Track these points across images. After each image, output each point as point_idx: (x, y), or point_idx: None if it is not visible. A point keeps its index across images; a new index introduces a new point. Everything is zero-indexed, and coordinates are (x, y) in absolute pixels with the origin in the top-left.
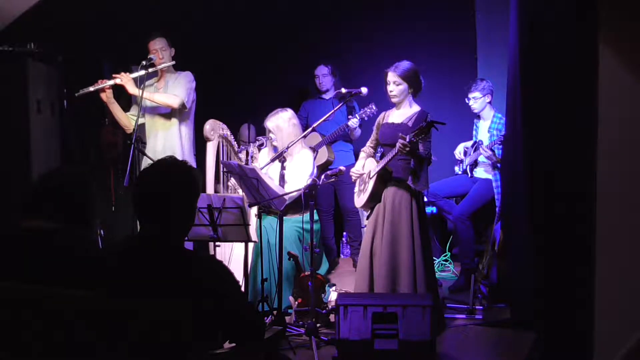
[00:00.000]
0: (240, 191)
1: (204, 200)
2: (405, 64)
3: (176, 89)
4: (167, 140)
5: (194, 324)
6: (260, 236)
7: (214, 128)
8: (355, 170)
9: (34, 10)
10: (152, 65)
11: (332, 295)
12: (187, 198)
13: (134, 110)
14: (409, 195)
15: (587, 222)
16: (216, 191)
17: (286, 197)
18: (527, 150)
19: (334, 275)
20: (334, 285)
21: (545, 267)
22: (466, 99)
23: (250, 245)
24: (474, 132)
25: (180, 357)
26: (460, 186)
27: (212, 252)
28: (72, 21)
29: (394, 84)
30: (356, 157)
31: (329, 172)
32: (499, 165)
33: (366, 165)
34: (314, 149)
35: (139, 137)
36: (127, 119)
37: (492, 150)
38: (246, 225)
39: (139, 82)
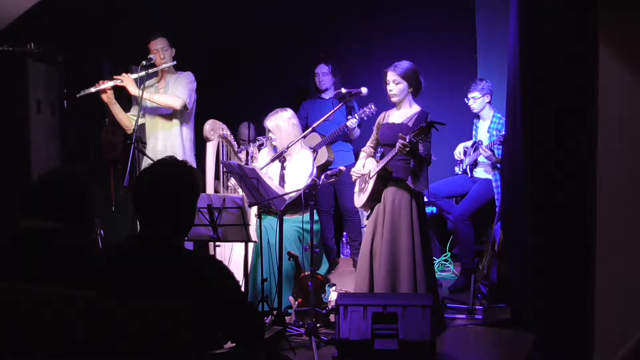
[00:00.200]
0: (240, 191)
1: (204, 200)
2: (404, 64)
3: (177, 90)
4: (168, 141)
5: (194, 324)
6: (260, 236)
7: (213, 128)
8: (356, 170)
9: (34, 10)
10: (152, 65)
11: (332, 295)
12: (187, 198)
13: (134, 110)
14: (409, 195)
15: (587, 222)
16: (216, 191)
17: (286, 197)
18: (527, 150)
19: (334, 275)
20: (334, 285)
21: (545, 267)
22: (465, 99)
23: (250, 245)
24: (473, 132)
25: (181, 357)
26: (460, 186)
27: (212, 252)
28: (72, 21)
29: (394, 83)
30: (356, 157)
31: (329, 172)
32: (498, 165)
33: (366, 165)
34: (314, 150)
35: (139, 137)
36: (128, 120)
37: (492, 151)
38: (246, 225)
39: (140, 83)
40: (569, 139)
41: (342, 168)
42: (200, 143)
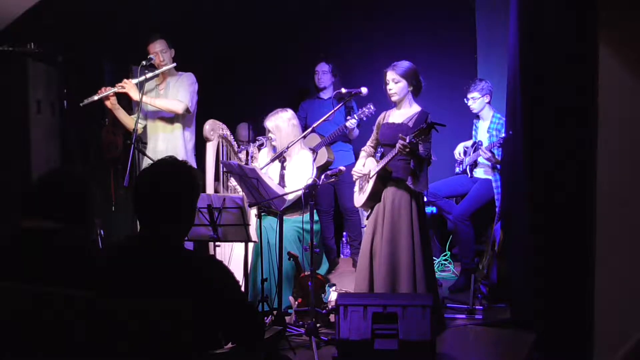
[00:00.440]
0: (240, 191)
1: (204, 200)
2: (403, 63)
3: (179, 93)
4: (169, 142)
5: (194, 324)
6: (260, 236)
7: (213, 128)
8: (357, 170)
9: (34, 10)
10: (152, 65)
11: (332, 295)
12: (187, 198)
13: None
14: (409, 195)
15: (587, 222)
16: (216, 191)
17: (286, 197)
18: (527, 150)
19: (334, 275)
20: (334, 285)
21: (545, 267)
22: (465, 99)
23: (250, 245)
24: (473, 133)
25: (181, 357)
26: (460, 186)
27: (212, 252)
28: (72, 21)
29: (393, 82)
30: (356, 157)
31: (329, 172)
32: (498, 166)
33: (366, 165)
34: (314, 150)
35: (139, 137)
36: (133, 123)
37: (492, 152)
38: (246, 225)
39: (141, 87)
40: (569, 139)
41: (342, 168)
42: (200, 143)
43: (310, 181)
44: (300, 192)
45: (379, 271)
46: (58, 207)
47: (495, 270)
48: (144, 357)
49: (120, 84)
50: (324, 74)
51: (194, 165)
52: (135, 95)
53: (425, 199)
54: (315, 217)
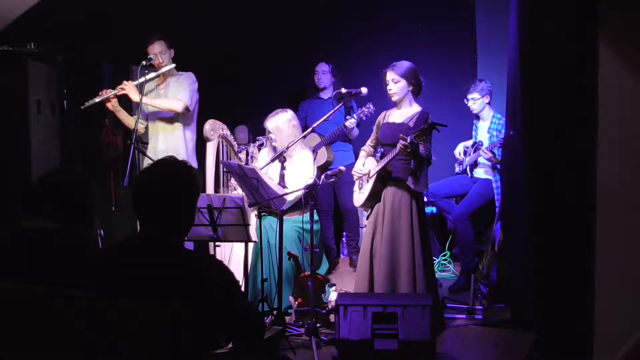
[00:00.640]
0: (240, 191)
1: (204, 200)
2: (403, 63)
3: (179, 92)
4: (170, 142)
5: (194, 324)
6: (260, 236)
7: (214, 128)
8: (357, 170)
9: (34, 10)
10: (152, 66)
11: (332, 295)
12: (187, 198)
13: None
14: (409, 195)
15: (587, 222)
16: (216, 191)
17: (286, 197)
18: (527, 150)
19: (334, 275)
20: (334, 285)
21: (545, 267)
22: (465, 100)
23: (250, 245)
24: (473, 133)
25: (181, 357)
26: (460, 186)
27: (212, 252)
28: (72, 21)
29: (393, 82)
30: (356, 157)
31: (329, 172)
32: (498, 167)
33: (366, 164)
34: (314, 150)
35: (139, 137)
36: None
37: (493, 152)
38: (246, 225)
39: (141, 88)
40: (569, 139)
41: (342, 168)
42: (200, 143)
43: (310, 181)
44: (300, 192)
45: (378, 271)
46: (58, 207)
47: (495, 270)
48: (144, 357)
49: (120, 86)
50: (324, 74)
51: (195, 165)
52: (135, 96)
53: (425, 199)
54: (315, 217)
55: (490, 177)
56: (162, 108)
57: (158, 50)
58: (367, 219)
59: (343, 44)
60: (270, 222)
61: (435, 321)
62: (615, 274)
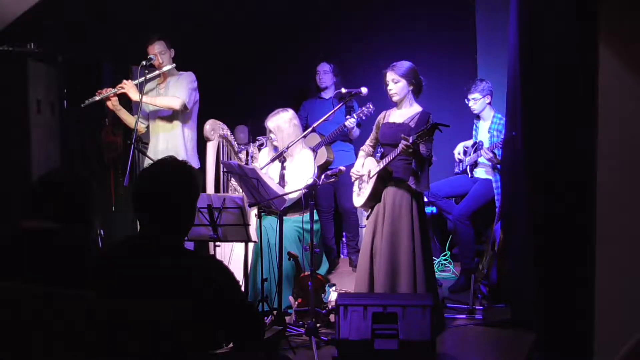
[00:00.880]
0: (240, 191)
1: (204, 200)
2: (403, 64)
3: (178, 90)
4: (170, 142)
5: (194, 324)
6: (260, 236)
7: (214, 128)
8: (355, 171)
9: (34, 10)
10: (152, 65)
11: (332, 295)
12: (187, 198)
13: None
14: (409, 195)
15: (587, 222)
16: (216, 191)
17: (286, 197)
18: (527, 150)
19: (334, 275)
20: (334, 285)
21: (545, 267)
22: (466, 100)
23: (250, 245)
24: (473, 133)
25: (181, 357)
26: (460, 186)
27: (212, 252)
28: (72, 21)
29: (393, 82)
30: (356, 157)
31: (329, 172)
32: (499, 167)
33: (365, 164)
34: (314, 150)
35: (139, 137)
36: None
37: (493, 153)
38: (246, 225)
39: (140, 88)
40: (569, 139)
41: (342, 168)
42: (200, 143)
43: (310, 181)
44: (300, 192)
45: (379, 271)
46: (58, 207)
47: (495, 270)
48: (144, 357)
49: (120, 85)
50: (325, 74)
51: (196, 164)
52: (135, 95)
53: (425, 199)
54: (316, 217)
55: (490, 177)
56: (161, 106)
57: (158, 51)
58: (367, 219)
59: (343, 44)
60: (270, 222)
61: (436, 321)
62: (615, 274)
